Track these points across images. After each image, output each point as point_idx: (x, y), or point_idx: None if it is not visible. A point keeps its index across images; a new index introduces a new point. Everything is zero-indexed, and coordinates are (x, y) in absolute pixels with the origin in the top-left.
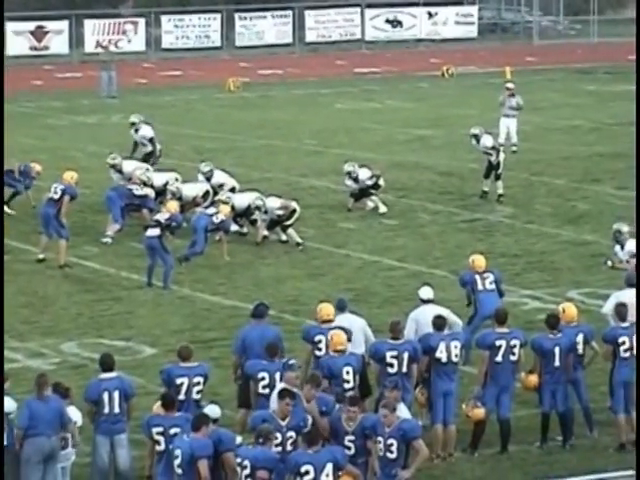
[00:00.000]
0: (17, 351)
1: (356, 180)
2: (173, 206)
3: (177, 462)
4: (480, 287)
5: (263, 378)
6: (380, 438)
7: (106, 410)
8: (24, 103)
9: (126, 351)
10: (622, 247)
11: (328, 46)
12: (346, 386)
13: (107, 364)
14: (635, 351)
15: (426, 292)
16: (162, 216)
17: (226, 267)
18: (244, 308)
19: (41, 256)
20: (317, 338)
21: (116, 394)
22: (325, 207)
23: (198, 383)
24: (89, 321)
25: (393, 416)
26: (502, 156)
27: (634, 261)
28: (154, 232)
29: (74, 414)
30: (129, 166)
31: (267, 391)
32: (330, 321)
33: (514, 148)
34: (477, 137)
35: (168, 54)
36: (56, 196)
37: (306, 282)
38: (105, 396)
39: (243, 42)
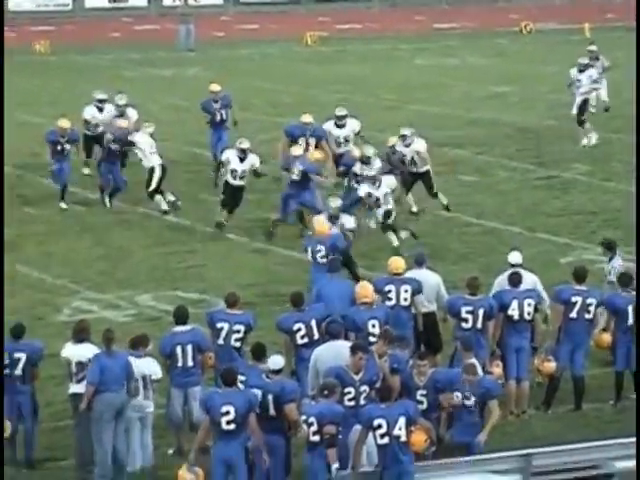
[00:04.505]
0: (93, 302)
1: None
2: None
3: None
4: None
5: (299, 329)
6: (458, 393)
7: (179, 363)
8: (101, 55)
9: (201, 303)
10: None
11: (407, 1)
12: (371, 339)
13: (181, 317)
14: None
15: (515, 257)
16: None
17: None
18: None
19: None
20: (387, 288)
21: (189, 347)
22: None
23: (238, 331)
24: (164, 274)
25: (475, 377)
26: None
27: None
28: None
29: (151, 367)
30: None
31: (306, 340)
32: (399, 274)
33: (606, 105)
34: (405, 138)
35: (246, 7)
36: (298, 177)
37: (380, 236)
38: (178, 350)
39: None
